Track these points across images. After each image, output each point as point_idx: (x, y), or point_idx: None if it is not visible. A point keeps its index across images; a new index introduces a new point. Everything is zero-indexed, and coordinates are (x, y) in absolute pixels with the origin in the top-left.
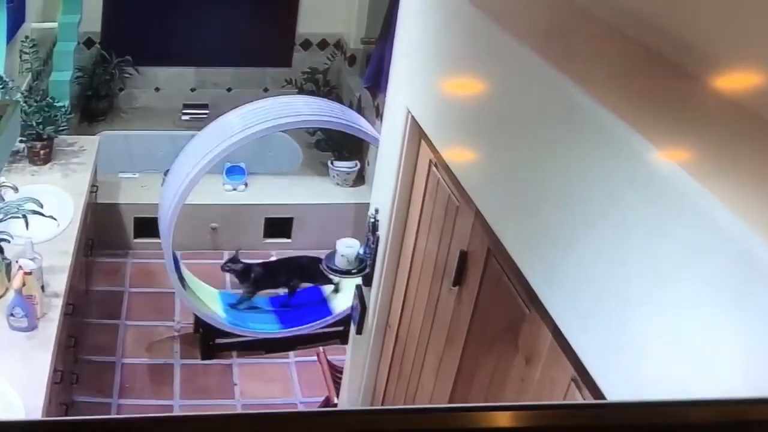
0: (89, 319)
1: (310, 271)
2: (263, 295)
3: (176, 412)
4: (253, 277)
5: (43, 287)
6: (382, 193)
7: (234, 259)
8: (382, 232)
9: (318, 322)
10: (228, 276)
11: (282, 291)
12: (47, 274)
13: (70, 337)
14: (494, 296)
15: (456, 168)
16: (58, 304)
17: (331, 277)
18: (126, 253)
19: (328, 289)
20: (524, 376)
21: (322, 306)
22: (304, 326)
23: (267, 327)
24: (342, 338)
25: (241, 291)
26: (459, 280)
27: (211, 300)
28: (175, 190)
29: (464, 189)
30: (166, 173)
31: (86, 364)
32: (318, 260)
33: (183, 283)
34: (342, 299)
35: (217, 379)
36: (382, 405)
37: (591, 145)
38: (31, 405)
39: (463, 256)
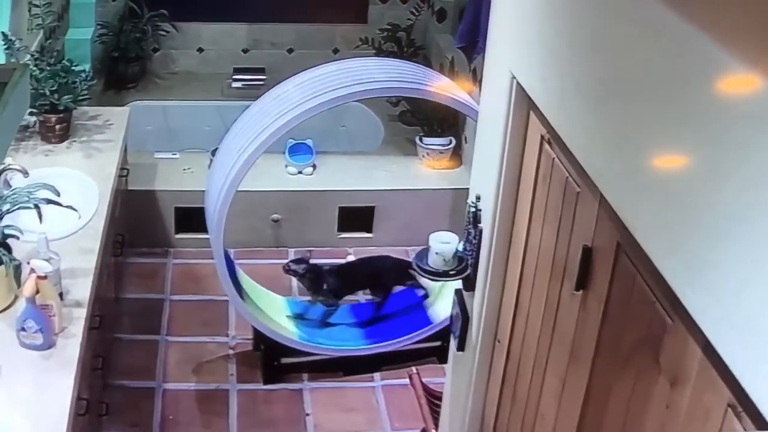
0: (121, 334)
1: (393, 278)
2: (342, 302)
3: None
4: (326, 286)
5: (61, 295)
6: (484, 176)
7: (299, 259)
8: (485, 224)
9: (414, 334)
10: (294, 280)
11: (364, 297)
12: (67, 278)
13: (97, 357)
14: (627, 302)
15: (574, 145)
16: (81, 315)
17: (425, 280)
18: (165, 251)
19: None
20: (669, 402)
21: (417, 313)
22: (396, 340)
23: (350, 343)
24: (440, 356)
25: (310, 298)
26: (583, 282)
27: (277, 310)
28: (226, 174)
29: (585, 171)
30: (213, 153)
31: (118, 391)
32: (406, 264)
33: (239, 289)
34: (442, 306)
35: (285, 409)
36: None
37: (750, 112)
38: None
39: (587, 253)
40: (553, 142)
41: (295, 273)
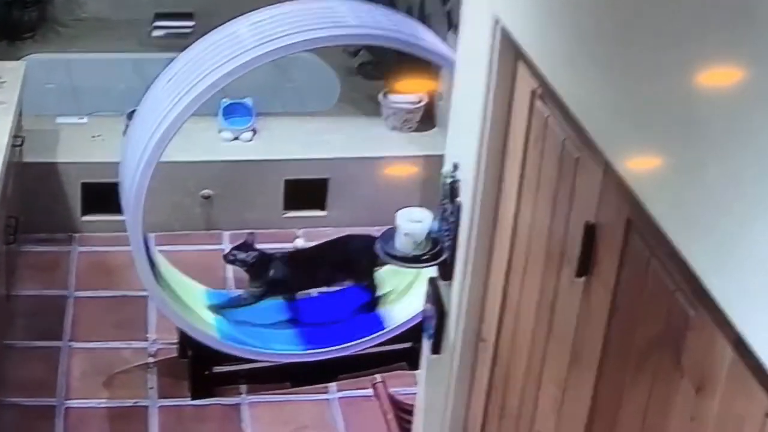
0: (13, 340)
1: (369, 258)
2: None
3: None
4: (273, 274)
5: None
6: (462, 141)
7: (244, 245)
8: (465, 198)
9: (362, 340)
10: (232, 270)
11: (315, 292)
12: None
13: None
14: (640, 291)
15: (573, 101)
16: None
17: (392, 265)
18: (69, 237)
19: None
20: (695, 412)
21: (366, 313)
22: (340, 346)
23: (282, 346)
24: (410, 360)
25: (243, 290)
26: (585, 267)
27: (197, 303)
28: (146, 142)
29: (587, 132)
30: (130, 116)
31: (10, 411)
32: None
33: (159, 281)
34: (404, 302)
35: (218, 429)
36: None
37: None
38: None
39: (590, 232)
40: (547, 97)
41: (243, 263)
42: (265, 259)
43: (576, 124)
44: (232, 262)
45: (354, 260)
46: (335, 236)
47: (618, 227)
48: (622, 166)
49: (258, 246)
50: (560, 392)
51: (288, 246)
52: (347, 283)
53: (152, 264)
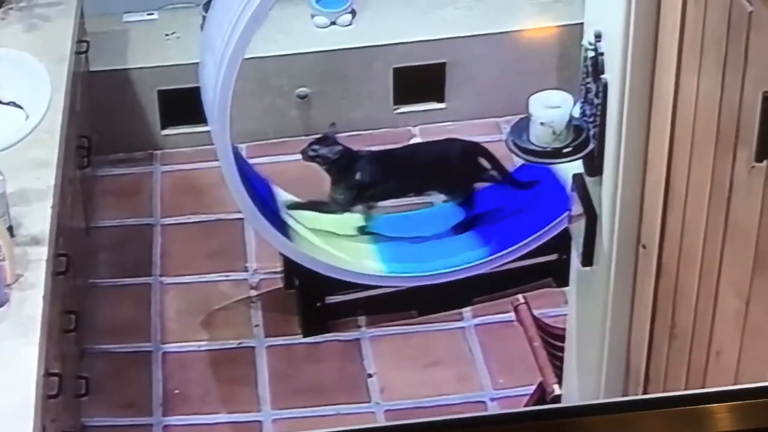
0: (97, 279)
1: (464, 171)
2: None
3: None
4: (359, 176)
5: (11, 229)
6: (605, 4)
7: (326, 138)
8: (612, 75)
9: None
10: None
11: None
12: (16, 205)
13: (68, 313)
14: None
15: None
16: (40, 256)
17: (523, 161)
18: (150, 156)
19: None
20: None
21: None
22: (533, 237)
23: (465, 256)
24: (557, 275)
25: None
26: (767, 149)
27: (341, 226)
28: (227, 36)
29: None
30: (206, 7)
31: (101, 360)
32: (479, 149)
33: (257, 200)
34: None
35: (336, 369)
36: (645, 391)
37: None
38: None
39: None
40: None
41: (324, 158)
42: (351, 156)
43: None
44: (312, 159)
45: (450, 169)
46: (439, 138)
47: None
48: None
49: (341, 142)
50: (743, 303)
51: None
52: (438, 197)
53: (246, 180)
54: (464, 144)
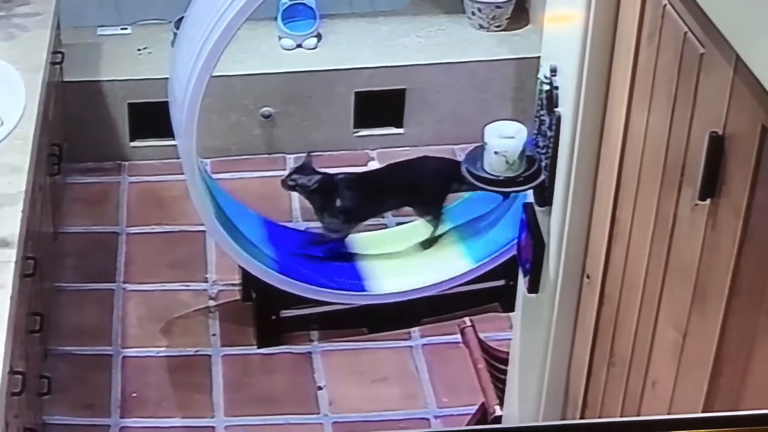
0: (63, 283)
1: (439, 186)
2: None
3: None
4: (340, 203)
5: None
6: (561, 39)
7: (305, 167)
8: (565, 108)
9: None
10: (298, 199)
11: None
12: None
13: (34, 315)
14: None
15: None
16: (9, 258)
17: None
18: (118, 166)
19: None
20: None
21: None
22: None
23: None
24: (504, 300)
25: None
26: (711, 188)
27: (258, 237)
28: (196, 53)
29: (712, 23)
30: (178, 24)
31: (63, 361)
32: (453, 163)
33: (216, 214)
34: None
35: (288, 380)
36: (582, 416)
37: None
38: None
39: (717, 145)
40: None
41: (303, 188)
42: (330, 183)
43: (700, 12)
44: (293, 188)
45: (423, 186)
46: (408, 159)
47: (751, 138)
48: (757, 61)
49: (319, 169)
50: (680, 336)
51: (360, 170)
52: (412, 213)
53: (209, 194)
54: (439, 160)
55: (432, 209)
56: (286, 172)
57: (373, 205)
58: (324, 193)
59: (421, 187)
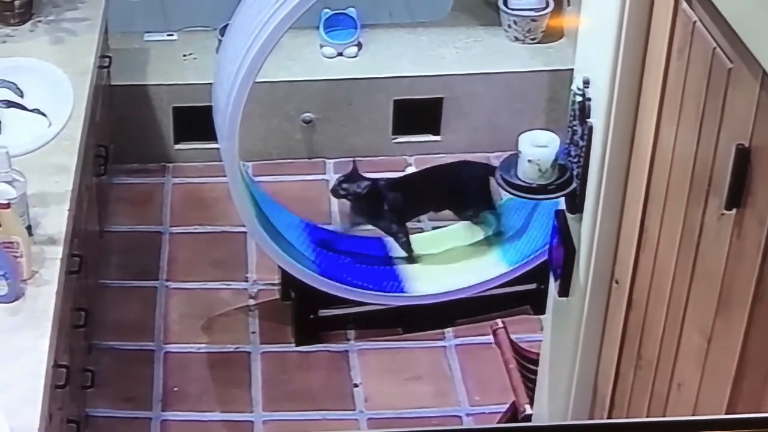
0: (108, 279)
1: (480, 188)
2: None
3: None
4: (388, 206)
5: (29, 229)
6: (594, 52)
7: (352, 176)
8: (597, 119)
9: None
10: (337, 203)
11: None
12: (35, 206)
13: (79, 310)
14: None
15: (725, 2)
16: (55, 255)
17: (510, 195)
18: (162, 168)
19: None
20: None
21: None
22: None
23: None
24: (535, 303)
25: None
26: (737, 198)
27: (297, 236)
28: (239, 60)
29: (741, 39)
30: (222, 31)
31: (107, 355)
32: (490, 170)
33: (259, 215)
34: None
35: (325, 377)
36: (609, 416)
37: None
38: (19, 424)
39: (743, 157)
40: (694, 0)
41: (355, 195)
42: (376, 188)
43: (729, 29)
44: (344, 196)
45: (463, 191)
46: (443, 163)
47: None
48: None
49: (365, 175)
50: (705, 341)
51: (398, 176)
52: (450, 217)
53: (250, 196)
54: (477, 165)
55: (476, 210)
56: (326, 177)
57: (416, 207)
58: (372, 198)
59: (463, 190)
